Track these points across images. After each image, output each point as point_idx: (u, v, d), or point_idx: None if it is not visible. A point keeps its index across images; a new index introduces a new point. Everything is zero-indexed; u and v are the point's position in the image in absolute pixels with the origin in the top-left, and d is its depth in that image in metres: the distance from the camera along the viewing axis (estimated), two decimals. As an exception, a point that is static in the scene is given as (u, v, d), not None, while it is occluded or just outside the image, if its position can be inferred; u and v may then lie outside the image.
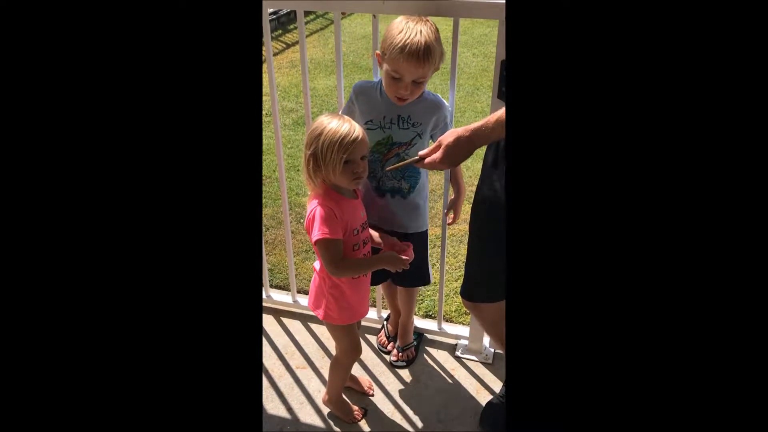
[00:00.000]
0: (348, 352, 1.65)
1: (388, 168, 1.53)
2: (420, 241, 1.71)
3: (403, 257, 1.46)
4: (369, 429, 1.73)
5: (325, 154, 1.36)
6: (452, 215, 1.73)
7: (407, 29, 1.38)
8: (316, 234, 1.39)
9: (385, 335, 2.02)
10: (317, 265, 1.54)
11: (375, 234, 1.58)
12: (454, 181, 1.71)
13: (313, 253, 1.56)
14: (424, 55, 1.38)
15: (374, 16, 1.57)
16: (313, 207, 1.42)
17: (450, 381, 1.87)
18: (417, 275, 1.73)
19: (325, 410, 1.78)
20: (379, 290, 2.07)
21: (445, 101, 1.57)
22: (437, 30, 1.42)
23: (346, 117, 1.40)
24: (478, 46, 5.32)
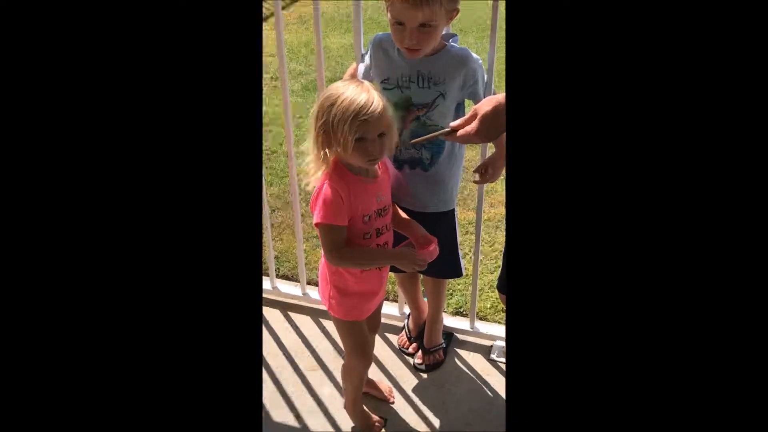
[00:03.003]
0: (352, 356, 1.49)
1: (413, 141, 1.36)
2: (445, 223, 1.54)
3: (423, 256, 1.33)
4: (389, 442, 1.59)
5: (335, 128, 1.21)
6: (484, 173, 1.45)
7: None
8: (316, 217, 1.29)
9: (407, 335, 1.84)
10: None
11: (403, 215, 1.41)
12: (498, 141, 1.44)
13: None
14: None
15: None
16: (319, 185, 1.30)
17: (483, 387, 1.73)
18: (445, 264, 1.54)
19: (339, 418, 1.64)
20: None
21: (474, 55, 1.41)
22: None
23: (365, 84, 1.25)
24: None
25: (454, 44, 1.41)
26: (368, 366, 1.53)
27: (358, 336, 1.44)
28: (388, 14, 1.35)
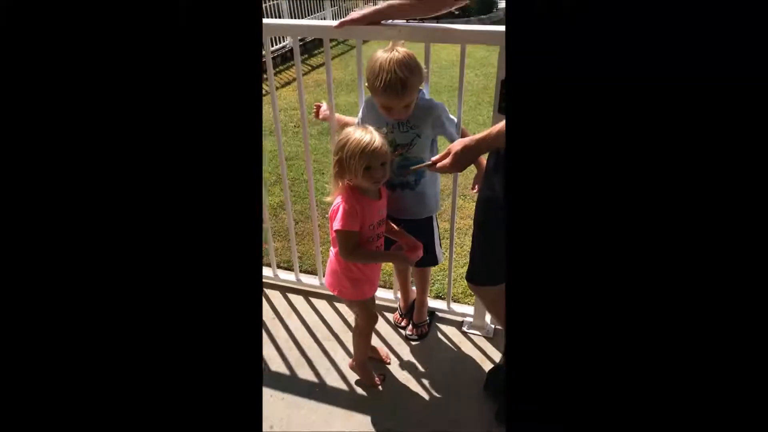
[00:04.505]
0: (367, 321, 1.86)
1: (411, 168, 1.68)
2: (428, 225, 1.90)
3: (410, 257, 1.64)
4: (387, 392, 1.92)
5: (348, 161, 1.52)
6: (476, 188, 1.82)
7: (381, 72, 1.54)
8: (337, 224, 1.57)
9: (399, 314, 2.25)
10: (333, 250, 1.73)
11: (395, 226, 1.76)
12: (478, 164, 1.84)
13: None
14: (402, 89, 1.56)
15: (392, 43, 1.80)
16: (338, 202, 1.60)
17: (458, 352, 2.07)
18: (427, 256, 1.86)
19: (349, 376, 1.97)
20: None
21: (437, 102, 1.71)
22: (410, 56, 1.56)
23: (369, 128, 1.56)
24: (480, 67, 5.80)
25: (422, 97, 1.68)
26: (376, 322, 1.88)
27: (369, 307, 1.81)
28: (377, 101, 1.62)
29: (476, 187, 1.87)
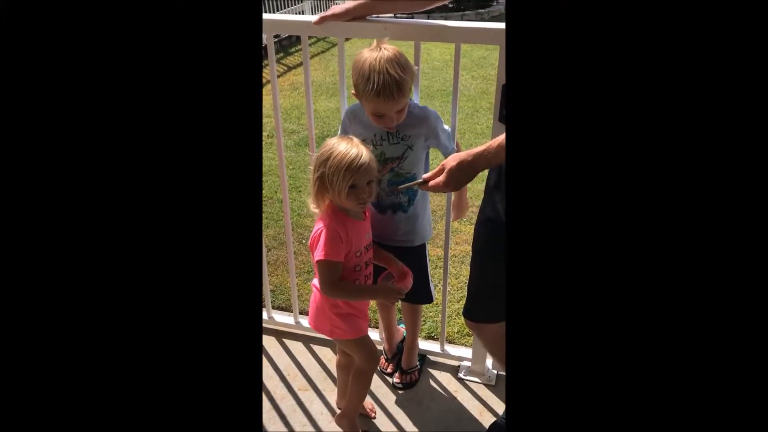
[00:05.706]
0: (368, 360, 1.66)
1: (399, 188, 1.56)
2: (421, 254, 1.74)
3: (401, 287, 1.51)
4: (372, 452, 1.74)
5: (331, 179, 1.39)
6: (454, 213, 1.74)
7: (372, 73, 1.41)
8: (318, 254, 1.43)
9: (385, 358, 2.03)
10: (317, 282, 1.57)
11: (382, 251, 1.62)
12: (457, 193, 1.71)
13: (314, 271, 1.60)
14: (398, 91, 1.42)
15: (377, 41, 1.61)
16: (319, 227, 1.45)
17: (453, 403, 1.89)
18: (418, 292, 1.73)
19: None
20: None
21: (432, 111, 1.59)
22: (399, 54, 1.44)
23: (355, 140, 1.43)
24: (477, 69, 5.42)
25: (415, 103, 1.56)
26: (378, 360, 1.68)
27: (368, 344, 1.62)
28: (367, 107, 1.48)
29: (454, 214, 1.77)
